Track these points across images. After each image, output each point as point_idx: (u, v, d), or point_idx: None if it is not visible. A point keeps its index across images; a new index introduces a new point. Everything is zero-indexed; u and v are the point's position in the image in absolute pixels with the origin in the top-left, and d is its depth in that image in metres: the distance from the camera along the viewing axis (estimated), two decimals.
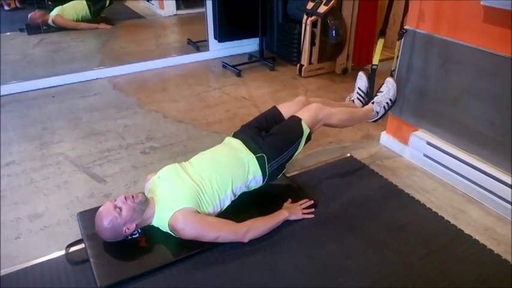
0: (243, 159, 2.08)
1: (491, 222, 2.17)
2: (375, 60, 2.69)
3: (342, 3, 3.88)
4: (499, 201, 2.17)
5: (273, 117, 2.34)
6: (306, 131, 2.21)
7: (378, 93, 2.61)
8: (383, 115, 2.60)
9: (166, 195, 1.95)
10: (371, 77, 2.70)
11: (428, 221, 2.16)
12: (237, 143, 2.16)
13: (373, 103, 2.57)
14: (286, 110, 2.36)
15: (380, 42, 2.64)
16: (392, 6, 2.65)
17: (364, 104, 2.68)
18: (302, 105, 2.36)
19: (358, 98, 2.70)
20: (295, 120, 2.23)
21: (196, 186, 1.96)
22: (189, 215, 1.87)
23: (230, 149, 2.14)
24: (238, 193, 2.12)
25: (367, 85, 2.70)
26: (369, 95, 2.69)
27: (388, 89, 2.58)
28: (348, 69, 4.13)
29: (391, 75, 2.63)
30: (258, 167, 2.09)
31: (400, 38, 2.56)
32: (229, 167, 2.05)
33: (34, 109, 3.42)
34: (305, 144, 2.25)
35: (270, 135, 2.19)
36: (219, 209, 2.03)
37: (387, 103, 2.57)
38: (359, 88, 2.71)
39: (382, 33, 2.66)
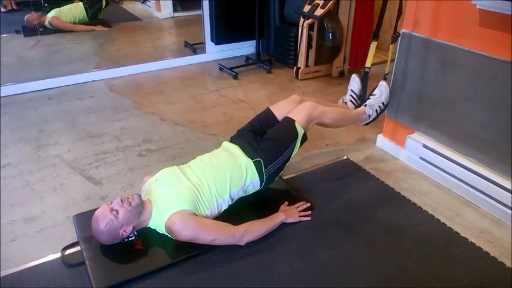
0: (240, 164, 2.09)
1: (487, 224, 2.18)
2: (368, 63, 2.70)
3: (338, 6, 3.89)
4: (494, 203, 2.18)
5: (266, 120, 2.33)
6: (300, 132, 2.21)
7: (370, 96, 2.63)
8: (375, 118, 2.61)
9: (164, 197, 1.95)
10: (364, 80, 2.70)
11: (424, 223, 2.17)
12: (235, 148, 2.16)
13: (365, 106, 2.58)
14: (280, 109, 2.35)
15: (373, 45, 2.65)
16: (386, 9, 2.65)
17: (357, 106, 2.68)
18: (296, 104, 2.35)
19: (351, 100, 2.71)
20: (289, 123, 2.22)
21: (195, 189, 1.96)
22: (186, 217, 1.86)
23: (228, 153, 2.14)
24: (236, 197, 2.12)
25: (360, 88, 2.71)
26: (362, 98, 2.69)
27: (381, 92, 2.60)
28: (344, 72, 4.14)
29: (385, 79, 2.64)
30: (256, 172, 2.09)
31: (393, 42, 2.56)
32: (228, 172, 2.05)
33: (30, 111, 3.41)
34: (302, 144, 2.25)
35: (265, 140, 2.19)
36: (216, 213, 2.03)
37: (379, 106, 2.59)
38: (352, 90, 2.72)
39: (375, 36, 2.66)
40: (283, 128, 2.24)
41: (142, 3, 6.08)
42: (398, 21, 2.60)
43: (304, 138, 2.25)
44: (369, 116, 2.57)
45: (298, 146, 2.24)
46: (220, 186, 2.02)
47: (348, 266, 1.90)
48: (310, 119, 2.27)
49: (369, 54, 2.69)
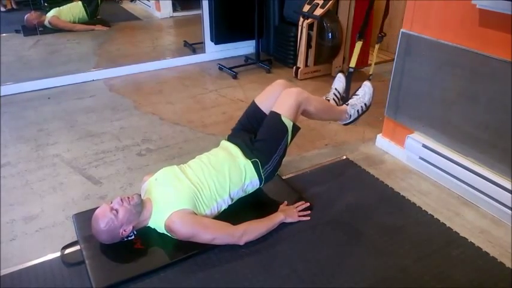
0: (239, 164, 2.09)
1: (486, 224, 2.18)
2: (352, 63, 2.63)
3: (338, 6, 3.90)
4: (494, 203, 2.18)
5: (253, 115, 2.29)
6: (289, 124, 2.14)
7: (353, 96, 2.57)
8: (355, 119, 2.53)
9: (163, 196, 1.95)
10: (347, 80, 2.63)
11: (423, 223, 2.17)
12: (234, 148, 2.15)
13: (347, 105, 2.51)
14: (265, 99, 2.29)
15: (358, 45, 2.59)
16: (372, 10, 2.61)
17: (338, 106, 2.60)
18: (281, 87, 2.27)
19: (334, 99, 2.60)
20: (275, 118, 2.14)
21: (195, 188, 1.96)
22: (185, 216, 1.87)
23: (227, 153, 2.14)
24: (235, 197, 2.12)
25: (344, 87, 2.63)
26: (344, 99, 2.63)
27: (364, 92, 2.53)
28: (344, 72, 4.13)
29: (369, 80, 2.58)
30: (254, 172, 2.09)
31: (379, 42, 2.54)
32: (227, 172, 2.05)
33: (30, 111, 3.41)
34: (295, 134, 2.19)
35: (257, 141, 2.15)
36: (216, 212, 2.04)
37: (361, 107, 2.52)
38: (336, 89, 2.63)
39: (361, 37, 2.61)
40: (271, 125, 2.17)
41: (132, 1, 6.06)
42: (385, 22, 2.58)
43: (296, 128, 2.19)
44: (350, 116, 2.49)
45: (291, 138, 2.18)
46: (219, 186, 2.02)
47: (347, 265, 1.90)
48: (297, 105, 2.16)
49: (353, 54, 2.64)
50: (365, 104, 2.53)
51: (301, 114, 2.29)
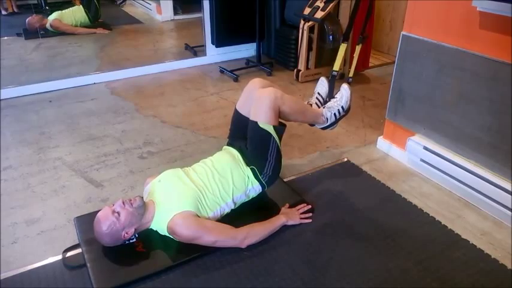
0: (243, 169, 2.10)
1: (488, 227, 2.18)
2: (336, 66, 2.54)
3: (339, 9, 3.90)
4: (495, 205, 2.18)
5: (238, 122, 2.26)
6: (269, 128, 2.06)
7: (331, 99, 2.46)
8: (333, 124, 2.40)
9: (167, 198, 1.95)
10: (330, 84, 2.51)
11: (425, 226, 2.17)
12: (237, 153, 2.16)
13: (324, 107, 2.40)
14: (245, 103, 2.24)
15: (342, 48, 2.52)
16: (357, 13, 2.57)
17: None
18: (258, 88, 2.20)
19: (316, 103, 2.50)
20: (254, 127, 2.09)
21: (198, 191, 1.96)
22: (188, 218, 1.87)
23: (231, 158, 2.14)
24: (238, 202, 2.12)
25: (327, 91, 2.52)
26: (327, 103, 2.50)
27: (341, 95, 2.39)
28: (345, 74, 4.14)
29: (348, 83, 2.47)
30: (255, 179, 2.10)
31: (359, 43, 2.52)
32: (230, 177, 2.06)
33: (31, 114, 3.42)
34: (282, 133, 2.14)
35: (248, 150, 2.15)
36: (218, 215, 2.04)
37: (338, 110, 2.37)
38: (319, 93, 2.50)
39: (345, 39, 2.55)
40: (252, 135, 2.13)
41: (120, 3, 6.07)
42: (367, 23, 2.55)
43: (280, 129, 2.12)
44: (327, 119, 2.36)
45: (279, 138, 2.11)
46: (223, 190, 2.03)
47: (348, 268, 1.90)
48: (272, 106, 2.06)
49: (337, 57, 2.53)
50: (342, 107, 2.38)
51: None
